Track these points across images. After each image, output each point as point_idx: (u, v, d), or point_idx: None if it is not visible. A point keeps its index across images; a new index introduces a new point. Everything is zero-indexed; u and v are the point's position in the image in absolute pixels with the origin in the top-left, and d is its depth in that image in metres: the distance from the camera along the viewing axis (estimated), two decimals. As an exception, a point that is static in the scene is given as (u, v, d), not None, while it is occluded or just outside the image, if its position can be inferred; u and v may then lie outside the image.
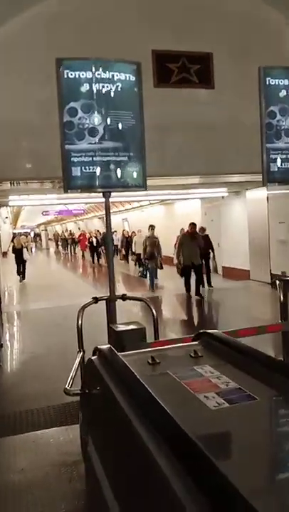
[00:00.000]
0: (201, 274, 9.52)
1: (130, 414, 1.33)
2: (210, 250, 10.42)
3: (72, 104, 3.24)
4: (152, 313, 3.40)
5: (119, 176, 3.37)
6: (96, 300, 3.57)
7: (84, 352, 3.25)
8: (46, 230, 43.79)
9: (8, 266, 18.40)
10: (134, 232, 18.31)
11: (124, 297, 3.68)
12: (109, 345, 2.15)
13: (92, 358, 2.08)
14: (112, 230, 15.83)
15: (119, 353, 1.98)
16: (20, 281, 14.58)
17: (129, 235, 19.25)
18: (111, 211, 3.61)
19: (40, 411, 3.86)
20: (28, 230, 48.98)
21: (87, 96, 3.27)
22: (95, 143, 3.30)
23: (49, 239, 42.43)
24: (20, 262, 14.61)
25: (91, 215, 27.66)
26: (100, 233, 21.45)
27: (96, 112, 3.27)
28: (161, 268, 11.33)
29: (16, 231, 42.76)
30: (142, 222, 17.39)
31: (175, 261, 9.98)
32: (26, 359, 5.77)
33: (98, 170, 3.30)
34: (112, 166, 3.36)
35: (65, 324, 7.21)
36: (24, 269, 14.75)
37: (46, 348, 6.10)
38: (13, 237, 17.95)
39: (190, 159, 6.02)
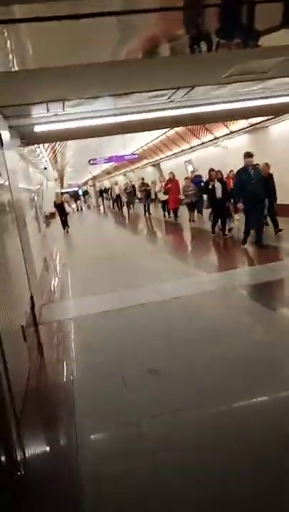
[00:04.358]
0: None
1: None
2: None
3: None
4: None
5: None
6: None
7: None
8: (94, 186, 40.27)
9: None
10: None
11: None
12: None
13: None
14: (197, 173, 9.80)
15: None
16: (66, 232, 16.52)
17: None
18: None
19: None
20: (76, 188, 46.16)
21: None
22: None
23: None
24: (63, 215, 16.78)
25: (144, 162, 23.40)
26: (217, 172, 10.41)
27: None
28: None
29: (64, 190, 39.78)
30: (215, 162, 13.01)
31: None
32: None
33: None
34: None
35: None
36: (67, 220, 16.94)
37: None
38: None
39: None
